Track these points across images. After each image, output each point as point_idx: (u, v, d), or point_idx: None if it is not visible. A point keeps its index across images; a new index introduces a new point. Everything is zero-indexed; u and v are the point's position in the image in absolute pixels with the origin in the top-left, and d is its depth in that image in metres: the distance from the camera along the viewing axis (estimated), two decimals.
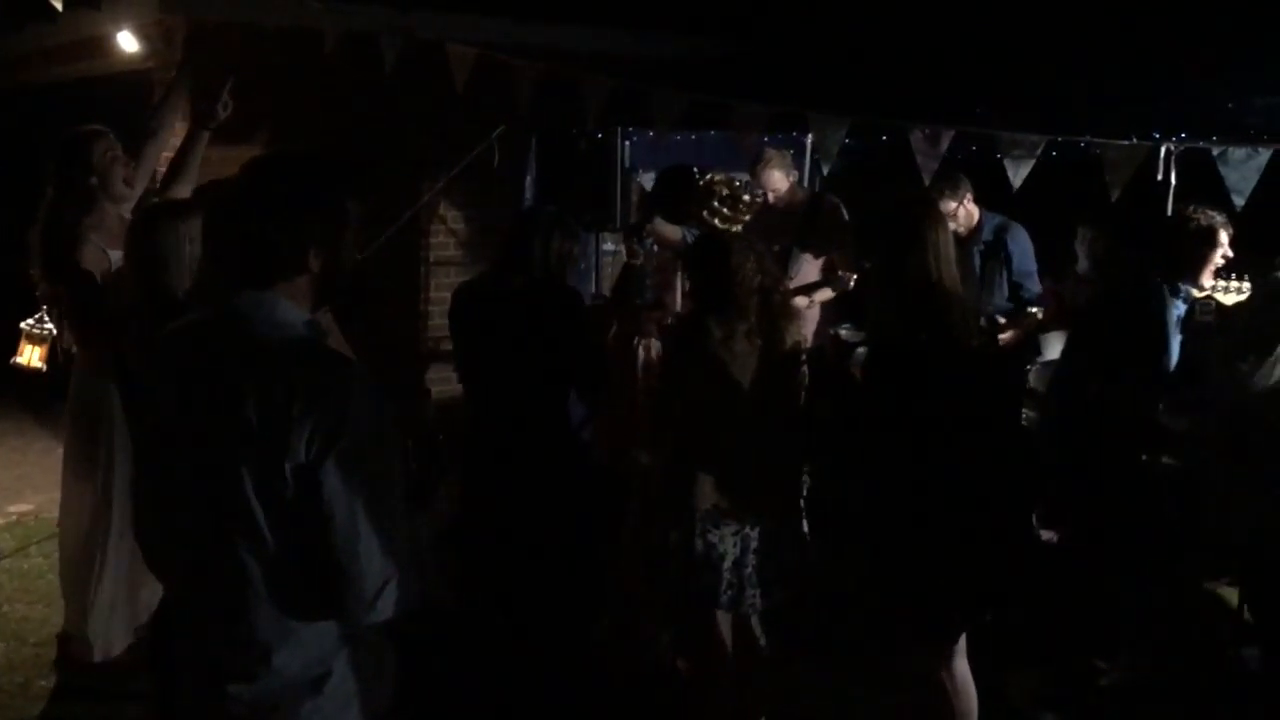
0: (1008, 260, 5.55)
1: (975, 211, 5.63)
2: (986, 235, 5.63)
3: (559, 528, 3.83)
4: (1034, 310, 5.56)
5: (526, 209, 5.88)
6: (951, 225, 5.60)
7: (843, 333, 6.17)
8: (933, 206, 3.45)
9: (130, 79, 6.80)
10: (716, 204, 4.91)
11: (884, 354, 3.31)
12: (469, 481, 3.95)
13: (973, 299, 5.21)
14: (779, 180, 5.66)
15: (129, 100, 6.87)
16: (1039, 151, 4.01)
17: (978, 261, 5.59)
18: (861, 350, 4.63)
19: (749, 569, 3.46)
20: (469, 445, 3.97)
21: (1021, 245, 5.59)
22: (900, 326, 3.26)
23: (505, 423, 3.89)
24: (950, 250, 3.30)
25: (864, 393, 3.38)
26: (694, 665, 3.75)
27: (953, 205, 5.48)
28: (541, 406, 3.88)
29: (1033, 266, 5.65)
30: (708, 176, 5.20)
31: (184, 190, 4.39)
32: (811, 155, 6.24)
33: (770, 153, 5.69)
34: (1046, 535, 6.05)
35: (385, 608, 2.02)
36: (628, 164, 6.71)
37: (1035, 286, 5.65)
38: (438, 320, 7.40)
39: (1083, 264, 6.78)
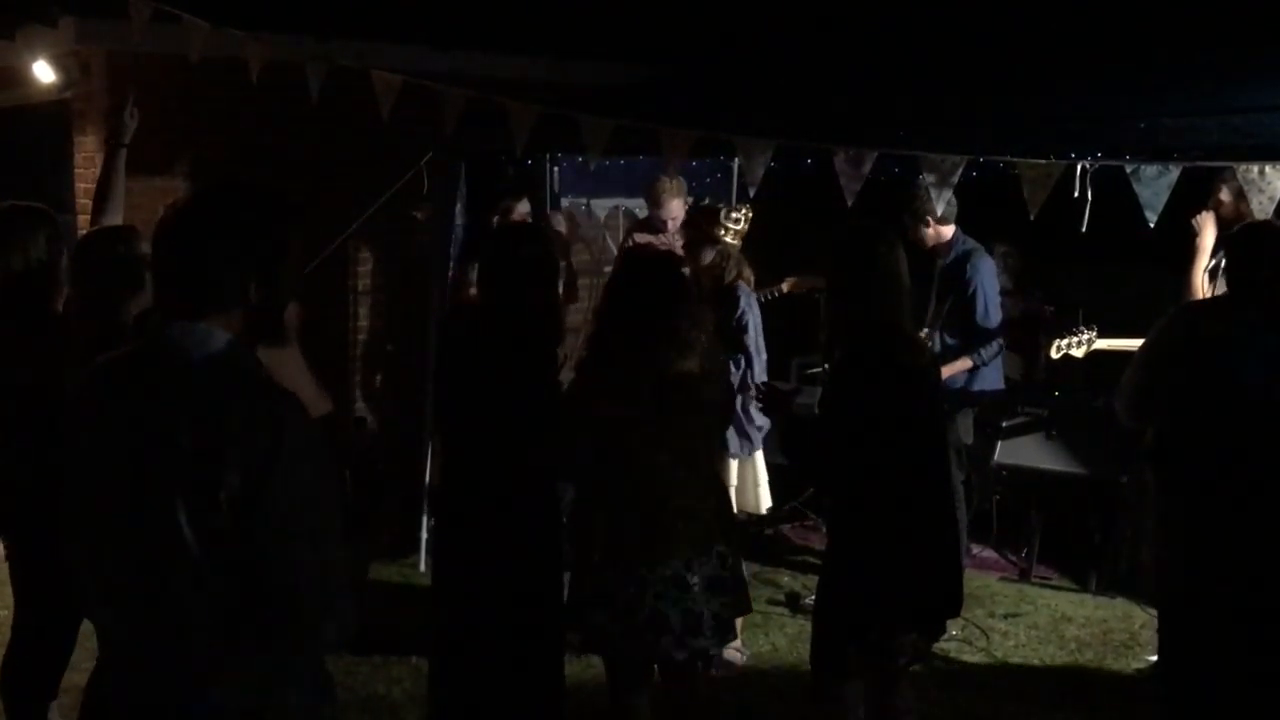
0: (965, 286, 5.54)
1: (945, 232, 5.60)
2: (952, 257, 5.62)
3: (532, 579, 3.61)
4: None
5: (498, 224, 5.77)
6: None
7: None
8: (885, 231, 3.53)
9: (48, 110, 6.68)
10: (721, 232, 4.87)
11: (842, 373, 3.40)
12: (447, 528, 3.73)
13: (924, 320, 5.30)
14: (678, 209, 5.51)
15: (47, 131, 6.76)
16: (959, 173, 4.11)
17: (938, 281, 5.60)
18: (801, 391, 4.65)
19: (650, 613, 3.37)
20: (447, 491, 3.72)
21: (982, 273, 5.57)
22: (855, 348, 3.38)
23: (493, 470, 3.58)
24: (903, 269, 3.42)
25: (824, 411, 3.46)
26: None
27: (916, 224, 5.53)
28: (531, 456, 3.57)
29: (993, 295, 5.61)
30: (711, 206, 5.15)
31: (115, 216, 4.30)
32: (738, 179, 6.34)
33: (665, 182, 5.47)
34: (977, 550, 6.19)
35: (323, 639, 2.01)
36: (557, 190, 6.75)
37: (993, 317, 5.58)
38: (366, 350, 7.35)
39: (1003, 280, 6.98)
